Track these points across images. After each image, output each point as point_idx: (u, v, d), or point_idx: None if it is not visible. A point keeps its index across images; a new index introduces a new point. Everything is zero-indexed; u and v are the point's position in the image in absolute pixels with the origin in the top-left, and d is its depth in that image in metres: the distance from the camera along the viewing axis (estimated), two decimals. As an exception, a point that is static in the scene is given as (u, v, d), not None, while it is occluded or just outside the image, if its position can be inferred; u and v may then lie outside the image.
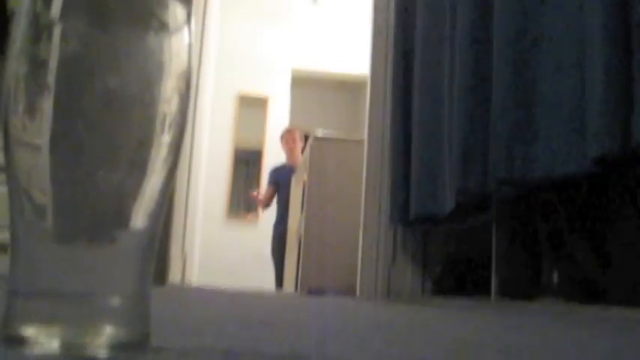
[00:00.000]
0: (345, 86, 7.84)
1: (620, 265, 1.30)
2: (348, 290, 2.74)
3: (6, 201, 0.35)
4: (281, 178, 5.00)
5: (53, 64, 0.34)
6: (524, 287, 1.61)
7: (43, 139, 0.34)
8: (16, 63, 0.35)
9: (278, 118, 6.62)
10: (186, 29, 0.38)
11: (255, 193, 5.46)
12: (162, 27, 0.36)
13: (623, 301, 1.25)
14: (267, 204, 5.22)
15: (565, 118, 1.21)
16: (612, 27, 1.04)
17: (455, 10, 1.66)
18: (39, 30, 0.35)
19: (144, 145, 0.35)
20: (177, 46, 0.37)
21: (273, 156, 6.08)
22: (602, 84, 1.05)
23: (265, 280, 5.14)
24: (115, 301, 0.34)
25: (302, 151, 4.78)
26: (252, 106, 6.67)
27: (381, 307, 1.59)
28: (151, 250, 0.36)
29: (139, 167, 0.35)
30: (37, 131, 0.34)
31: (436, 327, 0.90)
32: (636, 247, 1.26)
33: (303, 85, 7.31)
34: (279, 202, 5.08)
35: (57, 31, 0.34)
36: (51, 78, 0.34)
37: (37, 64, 0.34)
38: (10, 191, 0.35)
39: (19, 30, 0.35)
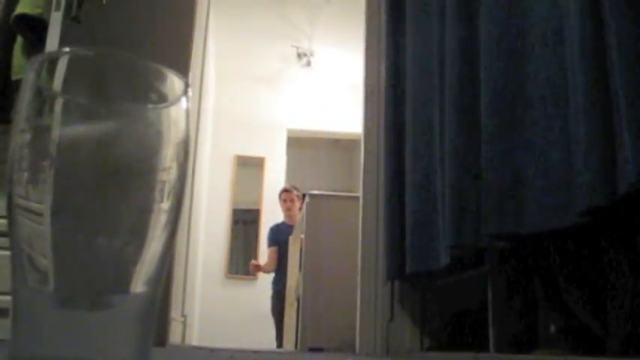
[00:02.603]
0: (340, 145, 7.92)
1: (617, 314, 1.29)
2: (348, 347, 2.71)
3: (8, 266, 0.36)
4: (280, 237, 4.98)
5: (55, 135, 0.35)
6: (521, 339, 1.60)
7: (46, 207, 0.34)
8: (20, 133, 0.36)
9: (275, 177, 6.65)
10: (184, 99, 0.38)
11: (254, 263, 5.38)
12: (161, 99, 0.37)
13: (620, 352, 1.24)
14: (272, 268, 5.12)
15: (552, 173, 1.22)
16: (593, 84, 1.08)
17: (443, 69, 1.70)
18: (42, 102, 0.36)
19: (143, 212, 0.36)
20: (175, 115, 0.38)
21: (271, 214, 6.09)
22: (587, 138, 1.07)
23: (265, 339, 5.08)
24: (116, 365, 0.34)
25: (300, 210, 4.78)
26: (249, 166, 6.72)
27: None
28: (151, 315, 0.37)
29: (139, 234, 0.35)
30: (39, 199, 0.35)
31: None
32: (633, 297, 1.26)
33: (299, 144, 7.38)
34: (277, 260, 5.04)
35: (59, 104, 0.35)
36: (53, 148, 0.35)
37: (40, 135, 0.35)
38: (12, 257, 0.35)
39: (24, 102, 0.36)
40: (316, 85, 6.74)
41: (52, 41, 1.96)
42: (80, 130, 0.35)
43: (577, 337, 1.42)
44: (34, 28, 2.15)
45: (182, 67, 2.64)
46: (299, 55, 6.22)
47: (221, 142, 6.40)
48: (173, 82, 0.38)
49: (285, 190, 5.30)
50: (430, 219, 1.79)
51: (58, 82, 0.36)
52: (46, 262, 0.35)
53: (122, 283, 0.35)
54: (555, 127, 1.24)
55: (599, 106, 1.06)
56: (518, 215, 1.29)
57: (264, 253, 5.64)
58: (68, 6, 2.00)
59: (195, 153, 3.76)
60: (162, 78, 0.38)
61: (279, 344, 4.77)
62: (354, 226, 2.57)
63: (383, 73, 2.39)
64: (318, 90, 6.80)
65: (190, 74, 2.98)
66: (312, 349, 3.31)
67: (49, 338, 0.34)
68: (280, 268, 4.90)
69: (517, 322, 1.66)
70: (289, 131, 6.92)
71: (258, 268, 5.26)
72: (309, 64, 6.27)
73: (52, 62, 0.37)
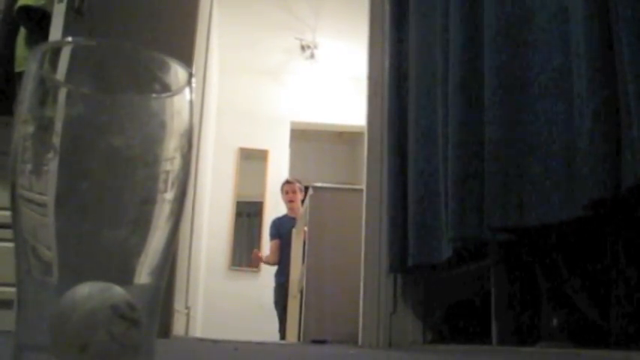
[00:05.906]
0: (343, 137, 7.91)
1: (620, 307, 1.29)
2: (351, 339, 2.72)
3: (11, 257, 0.36)
4: (283, 230, 4.99)
5: (59, 125, 0.35)
6: (524, 332, 1.60)
7: (49, 198, 0.34)
8: (23, 124, 0.35)
9: (278, 169, 6.65)
10: (187, 89, 0.38)
11: (256, 252, 5.41)
12: (165, 89, 0.37)
13: (624, 344, 1.24)
14: (274, 260, 5.13)
15: (556, 166, 1.22)
16: (599, 75, 1.07)
17: (447, 62, 1.69)
18: (45, 93, 0.35)
19: (147, 203, 0.35)
20: (179, 106, 0.37)
21: (274, 207, 6.10)
22: (591, 131, 1.06)
23: (268, 330, 5.09)
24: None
25: (302, 202, 4.79)
26: (252, 158, 6.72)
27: (384, 356, 1.57)
28: (155, 306, 0.37)
29: (143, 224, 0.35)
30: (43, 190, 0.34)
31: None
32: (636, 289, 1.26)
33: (302, 137, 7.38)
34: (280, 253, 5.05)
35: (62, 94, 0.35)
36: (57, 139, 0.34)
37: (44, 126, 0.35)
38: (16, 248, 0.35)
39: (27, 93, 0.36)
40: (320, 77, 6.72)
41: (55, 33, 1.96)
42: (83, 120, 0.35)
43: (579, 330, 1.42)
44: (37, 20, 2.14)
45: (185, 60, 2.63)
46: (302, 48, 6.20)
47: (224, 134, 6.40)
48: (177, 71, 0.38)
49: (286, 182, 5.31)
50: (433, 212, 1.79)
51: (61, 72, 0.36)
52: (49, 254, 0.34)
53: (126, 274, 0.35)
54: (559, 119, 1.23)
55: (604, 96, 1.06)
56: (521, 208, 1.28)
57: (267, 246, 5.65)
58: (71, -2, 2.00)
59: (199, 145, 3.76)
60: (165, 68, 0.37)
61: (282, 336, 4.79)
62: (357, 219, 2.57)
63: (387, 65, 2.38)
64: (322, 82, 6.79)
65: (194, 67, 2.98)
66: (315, 341, 3.32)
67: (53, 328, 0.34)
68: (283, 260, 4.91)
69: (519, 314, 1.66)
70: (293, 124, 6.92)
71: (259, 258, 5.29)
72: (312, 56, 6.25)
73: (55, 52, 0.37)
